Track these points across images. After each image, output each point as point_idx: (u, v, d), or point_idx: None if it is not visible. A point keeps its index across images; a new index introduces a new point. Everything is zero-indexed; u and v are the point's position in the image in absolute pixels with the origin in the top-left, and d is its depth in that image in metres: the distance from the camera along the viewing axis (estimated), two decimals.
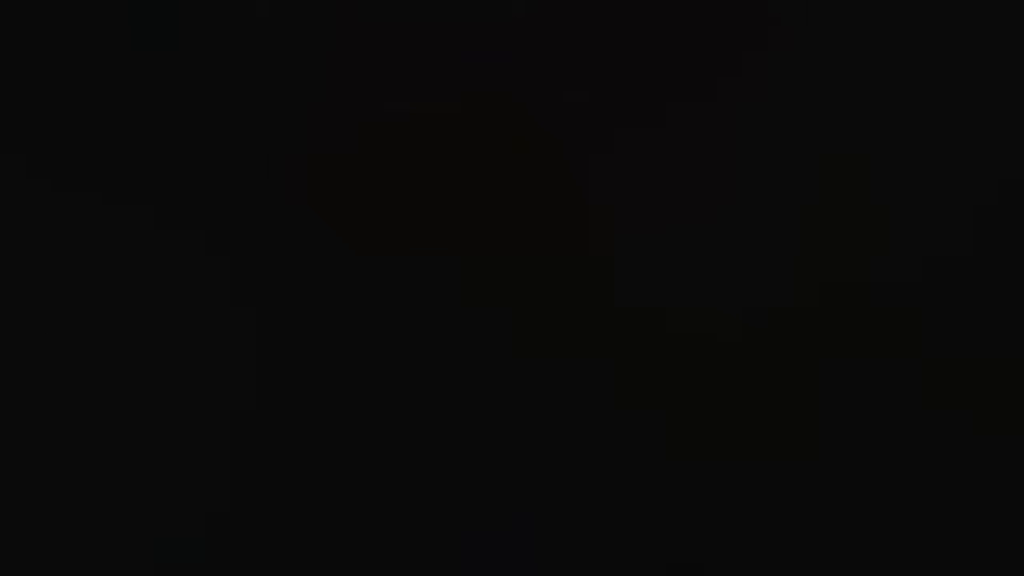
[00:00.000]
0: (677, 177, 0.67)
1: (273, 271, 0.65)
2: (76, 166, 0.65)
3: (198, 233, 0.64)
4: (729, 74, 0.68)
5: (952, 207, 0.67)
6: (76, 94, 0.66)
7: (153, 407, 0.63)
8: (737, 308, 0.66)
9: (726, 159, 0.67)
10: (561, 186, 0.68)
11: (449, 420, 0.65)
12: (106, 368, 0.63)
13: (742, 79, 0.68)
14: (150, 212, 0.65)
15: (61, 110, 0.65)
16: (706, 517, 0.66)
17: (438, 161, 0.67)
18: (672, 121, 0.67)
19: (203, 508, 0.63)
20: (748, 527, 0.67)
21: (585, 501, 0.65)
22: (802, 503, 0.67)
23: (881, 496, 0.66)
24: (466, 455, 0.65)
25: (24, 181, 0.65)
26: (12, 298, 0.63)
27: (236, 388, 0.64)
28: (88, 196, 0.65)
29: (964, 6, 0.67)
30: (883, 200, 0.67)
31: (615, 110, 0.67)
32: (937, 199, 0.67)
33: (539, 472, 0.65)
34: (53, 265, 0.64)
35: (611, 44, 0.70)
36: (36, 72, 0.66)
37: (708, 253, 0.68)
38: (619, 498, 0.66)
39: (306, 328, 0.64)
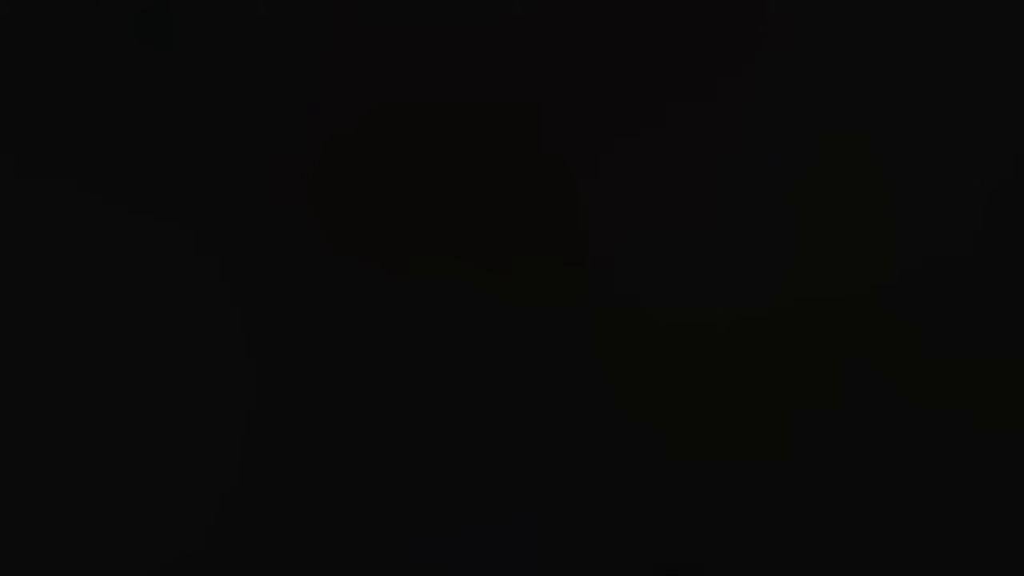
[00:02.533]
0: (674, 175, 0.67)
1: (268, 272, 0.65)
2: (73, 165, 0.65)
3: (191, 233, 0.64)
4: (727, 73, 0.67)
5: (956, 208, 0.67)
6: (69, 92, 0.65)
7: (150, 409, 0.63)
8: (735, 308, 0.66)
9: (724, 159, 0.67)
10: (558, 187, 0.68)
11: (447, 422, 0.65)
12: (102, 370, 0.63)
13: (739, 79, 0.67)
14: (144, 211, 0.65)
15: (56, 108, 0.65)
16: (703, 518, 0.66)
17: (438, 162, 0.66)
18: (669, 121, 0.67)
19: (203, 511, 0.63)
20: (745, 527, 0.67)
21: (583, 502, 0.65)
22: (800, 504, 0.67)
23: (879, 497, 0.66)
24: (463, 457, 0.65)
25: (17, 181, 0.65)
26: (10, 302, 0.63)
27: (233, 391, 0.64)
28: (84, 197, 0.65)
29: (965, 5, 0.66)
30: (884, 200, 0.67)
31: (611, 111, 0.67)
32: (939, 199, 0.67)
33: (537, 472, 0.65)
34: (49, 266, 0.64)
35: (608, 43, 0.69)
36: (31, 70, 0.66)
37: (706, 253, 0.68)
38: (616, 499, 0.66)
39: (302, 330, 0.64)
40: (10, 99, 0.65)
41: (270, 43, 0.68)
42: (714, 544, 0.65)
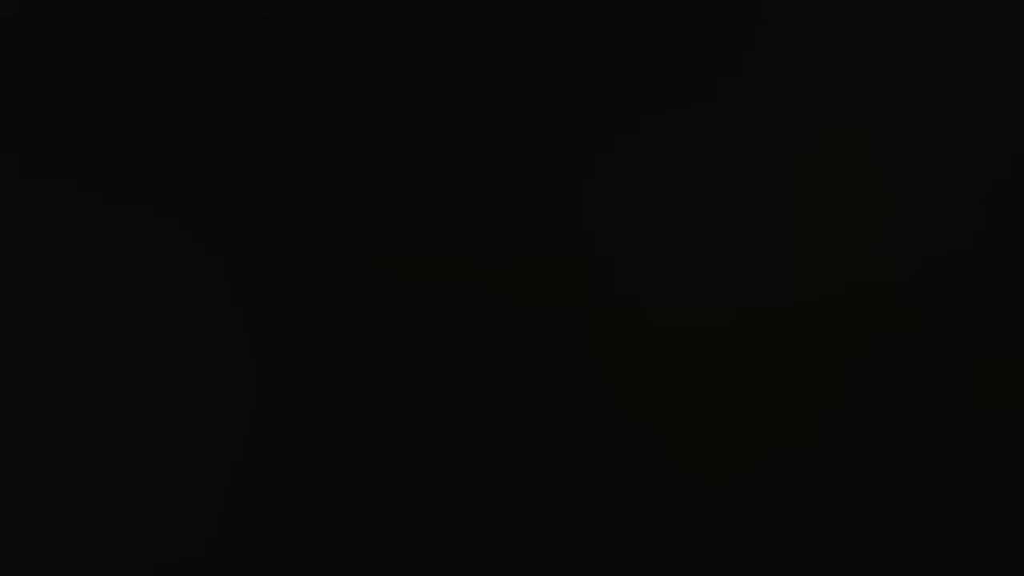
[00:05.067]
0: (676, 177, 0.67)
1: (268, 272, 0.65)
2: (74, 165, 0.65)
3: (193, 233, 0.64)
4: (728, 74, 0.68)
5: (953, 204, 0.67)
6: (73, 93, 0.65)
7: (151, 409, 0.63)
8: (737, 307, 0.66)
9: (726, 158, 0.67)
10: (559, 187, 0.68)
11: (448, 422, 0.65)
12: (103, 369, 0.63)
13: (741, 79, 0.68)
14: (146, 212, 0.65)
15: (57, 109, 0.65)
16: (704, 518, 0.66)
17: (438, 161, 0.66)
18: (672, 121, 0.67)
19: (204, 510, 0.63)
20: (746, 528, 0.67)
21: (583, 503, 0.65)
22: (800, 503, 0.67)
23: (880, 495, 0.66)
24: (464, 457, 0.65)
25: (19, 181, 0.65)
26: (10, 300, 0.63)
27: (233, 391, 0.64)
28: (87, 197, 0.65)
29: (963, 4, 0.66)
30: (883, 197, 0.67)
31: (613, 112, 0.67)
32: (937, 196, 0.67)
33: (537, 474, 0.65)
34: (52, 266, 0.64)
35: (610, 44, 0.70)
36: (33, 71, 0.66)
37: (709, 253, 0.68)
38: (617, 499, 0.66)
39: (302, 330, 0.64)
40: (12, 98, 0.65)
41: (271, 43, 0.68)
42: (714, 544, 0.65)
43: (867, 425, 0.67)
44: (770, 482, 0.66)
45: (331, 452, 0.64)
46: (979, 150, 0.67)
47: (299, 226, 0.66)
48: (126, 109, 0.66)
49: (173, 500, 0.63)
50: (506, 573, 0.64)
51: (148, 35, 0.65)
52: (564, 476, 0.65)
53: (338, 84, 0.68)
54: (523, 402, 0.66)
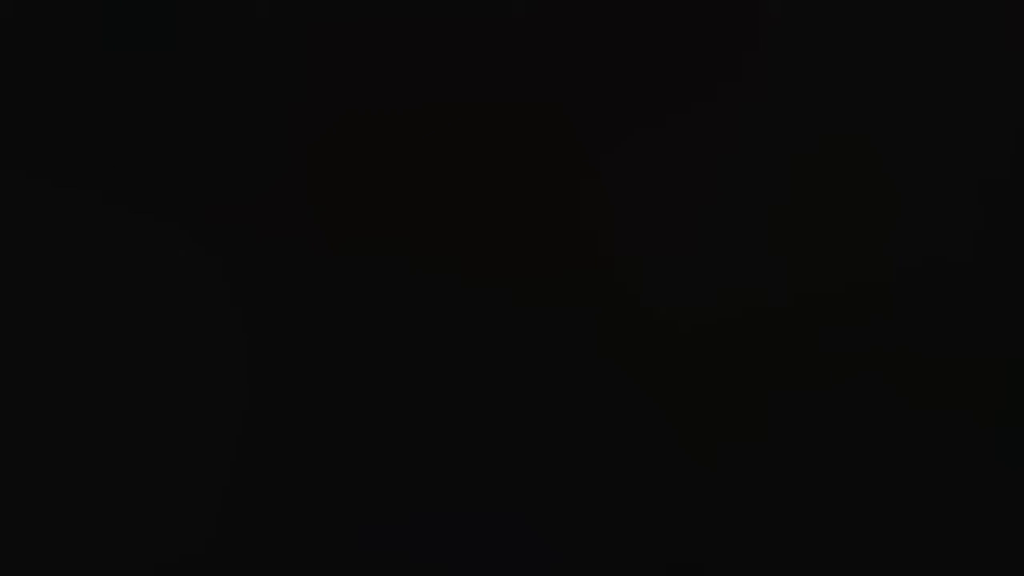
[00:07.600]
0: (678, 177, 0.67)
1: (267, 272, 0.65)
2: (71, 166, 0.65)
3: (192, 233, 0.63)
4: (728, 77, 0.68)
5: (955, 207, 0.67)
6: (67, 93, 0.65)
7: (151, 410, 0.62)
8: (739, 308, 0.66)
9: (727, 159, 0.67)
10: (563, 186, 0.68)
11: (449, 423, 0.65)
12: (103, 371, 0.63)
13: (739, 78, 0.68)
14: (143, 211, 0.65)
15: (53, 109, 0.65)
16: (703, 518, 0.66)
17: (441, 161, 0.66)
18: (671, 123, 0.67)
19: (199, 512, 0.63)
20: (750, 528, 0.67)
21: (588, 503, 0.65)
22: (799, 503, 0.67)
23: (878, 498, 0.66)
24: (466, 460, 0.65)
25: (22, 181, 0.64)
26: (8, 300, 0.63)
27: (230, 391, 0.63)
28: (82, 195, 0.64)
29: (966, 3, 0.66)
30: (888, 199, 0.67)
31: (615, 111, 0.67)
32: (939, 198, 0.67)
33: (542, 477, 0.65)
34: (50, 266, 0.64)
35: (611, 44, 0.70)
36: (29, 71, 0.65)
37: (709, 253, 0.68)
38: (618, 499, 0.66)
39: (302, 330, 0.64)
40: (5, 100, 0.65)
41: (270, 40, 0.68)
42: (718, 544, 0.65)
43: (867, 424, 0.67)
44: (770, 482, 0.66)
45: (331, 456, 0.64)
46: (983, 156, 0.67)
47: (299, 226, 0.65)
48: (124, 109, 0.65)
49: (169, 504, 0.62)
50: (512, 572, 0.64)
51: (143, 35, 0.64)
52: (567, 478, 0.65)
53: (343, 83, 0.67)
54: (525, 404, 0.66)
